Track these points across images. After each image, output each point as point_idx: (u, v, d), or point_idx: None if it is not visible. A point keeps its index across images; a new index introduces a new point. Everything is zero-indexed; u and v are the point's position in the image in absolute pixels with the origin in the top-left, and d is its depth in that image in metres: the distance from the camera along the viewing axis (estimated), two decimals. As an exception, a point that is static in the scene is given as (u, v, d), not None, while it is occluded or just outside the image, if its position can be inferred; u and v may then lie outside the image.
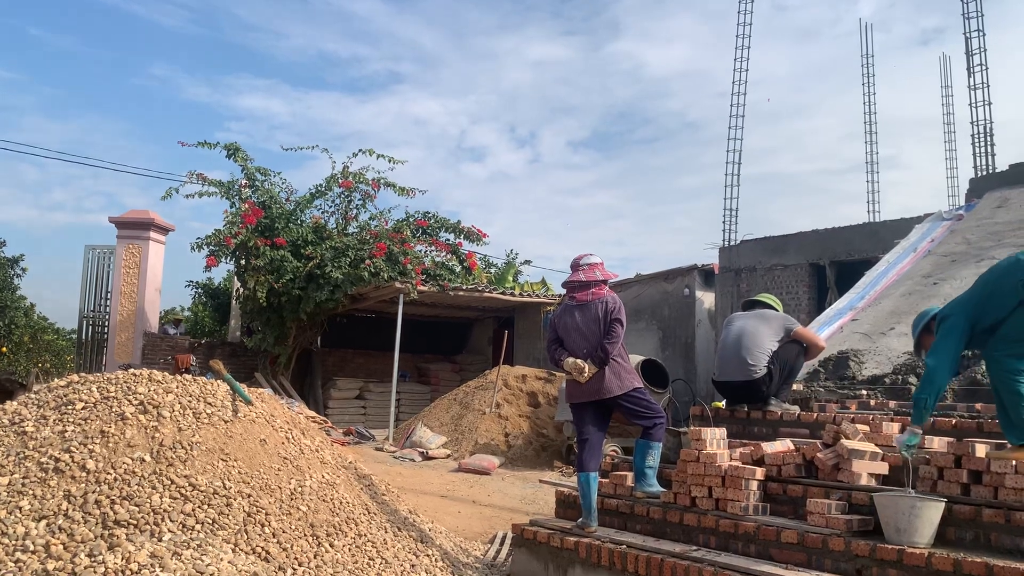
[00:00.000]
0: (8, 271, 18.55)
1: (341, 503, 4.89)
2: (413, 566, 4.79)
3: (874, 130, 21.03)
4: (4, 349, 18.33)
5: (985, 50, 14.97)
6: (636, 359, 10.44)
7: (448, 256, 15.64)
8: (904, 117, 51.20)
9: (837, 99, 60.42)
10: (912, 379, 6.30)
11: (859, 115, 21.39)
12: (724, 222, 18.03)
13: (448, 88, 79.83)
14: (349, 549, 4.56)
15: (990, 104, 14.87)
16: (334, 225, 15.38)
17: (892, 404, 5.70)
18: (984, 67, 14.92)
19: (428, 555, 5.04)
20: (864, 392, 6.33)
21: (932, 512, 3.83)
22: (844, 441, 4.52)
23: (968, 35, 15.05)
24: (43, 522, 3.84)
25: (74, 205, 69.71)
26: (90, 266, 16.69)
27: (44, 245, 60.14)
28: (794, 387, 6.18)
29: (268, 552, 4.13)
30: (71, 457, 4.19)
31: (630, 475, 5.21)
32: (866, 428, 4.74)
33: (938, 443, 4.58)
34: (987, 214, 10.76)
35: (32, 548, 3.67)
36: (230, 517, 4.19)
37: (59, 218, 66.67)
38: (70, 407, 4.58)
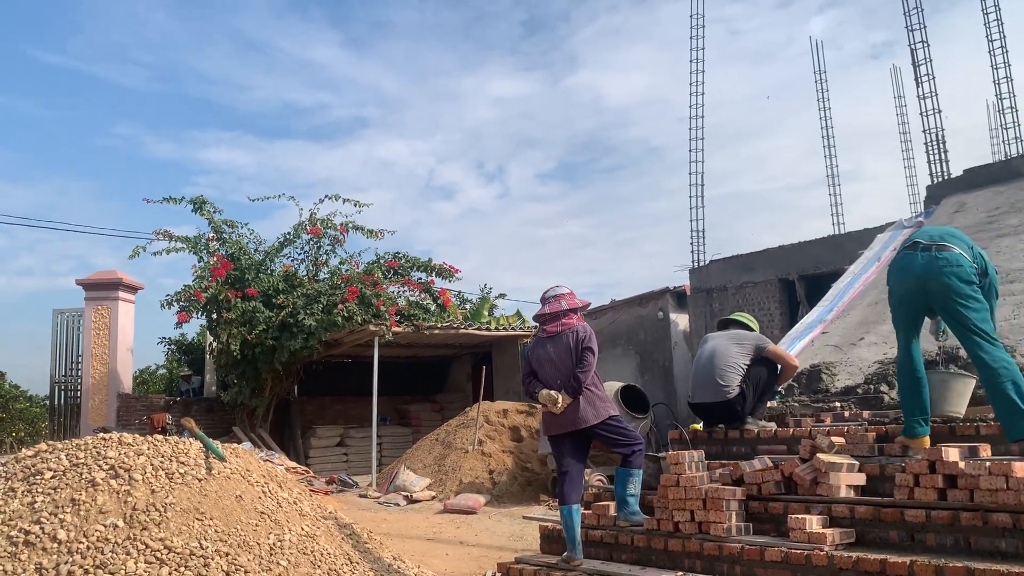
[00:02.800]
0: (-25, 341, 18.23)
1: (322, 555, 4.81)
2: (399, 614, 4.72)
3: (833, 144, 21.45)
4: (-25, 420, 17.97)
5: (931, 60, 15.36)
6: (615, 385, 10.44)
7: (421, 295, 15.60)
8: (861, 130, 52.27)
9: (795, 118, 61.60)
10: (884, 387, 6.36)
11: (817, 131, 21.80)
12: (692, 244, 18.19)
13: (413, 129, 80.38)
14: (333, 601, 4.48)
15: (940, 112, 15.22)
16: (304, 272, 15.30)
17: (866, 414, 5.75)
18: (931, 76, 15.29)
19: (414, 601, 4.97)
20: (838, 404, 6.37)
21: (960, 384, 4.67)
22: (820, 455, 4.55)
23: (913, 47, 15.45)
24: (15, 598, 3.74)
25: (43, 269, 68.87)
26: (59, 330, 16.46)
27: (12, 312, 59.23)
28: (769, 404, 6.22)
29: (249, 611, 4.05)
30: (41, 528, 4.10)
31: (612, 505, 5.19)
32: (842, 440, 4.78)
33: (912, 448, 4.61)
34: (945, 219, 10.96)
35: (4, 626, 3.58)
36: (208, 578, 4.11)
37: (28, 284, 65.82)
38: (39, 477, 4.49)
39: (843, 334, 8.41)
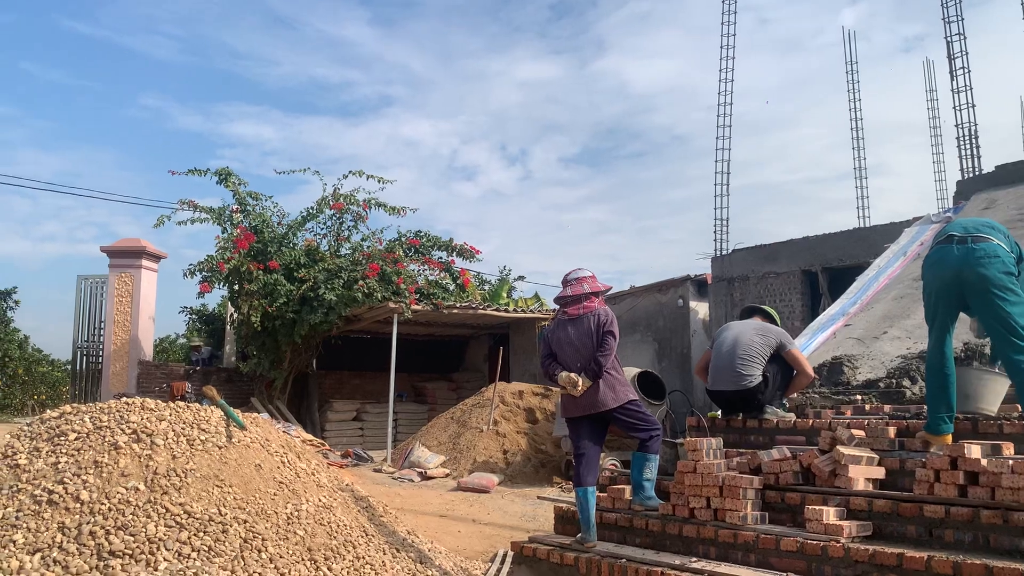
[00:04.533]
0: (1, 304, 18.49)
1: (338, 526, 4.86)
2: (413, 587, 4.76)
3: (861, 137, 21.20)
4: (-1, 382, 18.25)
5: (967, 53, 15.11)
6: (632, 371, 10.43)
7: (441, 274, 15.64)
8: (890, 124, 51.60)
9: (822, 109, 60.84)
10: (906, 382, 6.31)
11: (845, 123, 21.59)
12: (715, 232, 18.11)
13: (438, 109, 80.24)
14: (347, 572, 4.53)
15: (974, 107, 14.99)
16: (326, 247, 15.37)
17: (887, 408, 5.70)
18: (966, 70, 15.05)
19: (428, 576, 5.01)
20: (859, 397, 6.32)
21: (998, 384, 4.56)
22: (840, 447, 4.52)
23: (949, 39, 15.20)
24: (38, 555, 3.81)
25: (67, 236, 69.67)
26: (82, 296, 16.64)
27: (37, 277, 60.03)
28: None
29: (266, 578, 4.10)
30: (65, 489, 4.16)
31: (628, 488, 5.19)
32: (862, 433, 4.74)
33: (934, 445, 4.58)
34: (975, 215, 10.80)
35: (27, 582, 3.64)
36: (226, 544, 4.16)
37: (52, 249, 66.61)
38: (63, 438, 4.56)
39: (866, 327, 8.33)
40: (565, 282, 5.19)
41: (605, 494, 5.37)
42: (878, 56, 54.85)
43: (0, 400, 20.22)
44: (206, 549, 4.08)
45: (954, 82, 15.14)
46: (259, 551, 4.24)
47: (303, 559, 4.40)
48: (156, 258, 16.84)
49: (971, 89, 15.04)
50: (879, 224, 14.46)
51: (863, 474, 4.37)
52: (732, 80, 18.94)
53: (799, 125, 66.22)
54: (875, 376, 6.94)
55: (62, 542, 3.89)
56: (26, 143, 66.12)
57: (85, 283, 16.66)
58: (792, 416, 5.61)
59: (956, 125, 15.00)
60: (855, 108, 21.33)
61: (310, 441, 12.15)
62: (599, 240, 70.74)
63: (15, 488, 4.20)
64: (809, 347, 8.31)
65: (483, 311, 15.41)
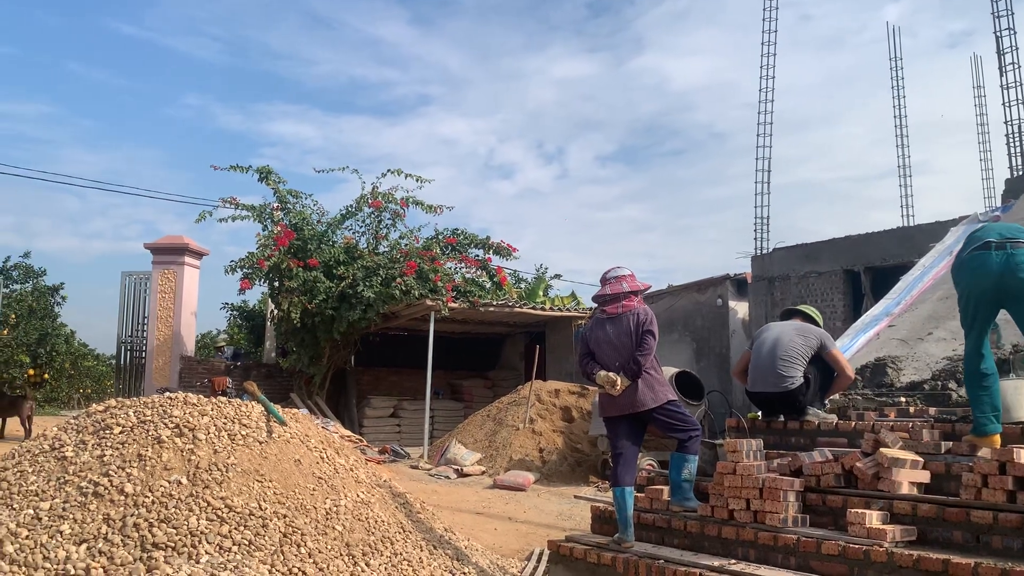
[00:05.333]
0: (49, 299, 18.96)
1: (376, 522, 4.89)
2: (449, 584, 4.77)
3: (905, 134, 20.77)
4: (46, 376, 18.70)
5: (1017, 48, 14.73)
6: (670, 371, 10.34)
7: (478, 272, 15.68)
8: (935, 122, 50.57)
9: (865, 106, 59.76)
10: (952, 384, 6.16)
11: (888, 121, 21.17)
12: (755, 231, 17.88)
13: (475, 108, 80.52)
14: (385, 568, 4.56)
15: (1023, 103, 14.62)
16: (365, 245, 15.50)
17: (932, 411, 5.58)
18: (1016, 65, 14.68)
19: (464, 573, 5.02)
20: (903, 399, 6.19)
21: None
22: (883, 450, 4.44)
23: (999, 34, 14.84)
24: (83, 546, 3.89)
25: (113, 233, 71.31)
26: (127, 292, 16.99)
27: (84, 273, 61.54)
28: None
29: (304, 572, 4.14)
30: (110, 481, 4.25)
31: (666, 489, 5.15)
32: (906, 435, 4.65)
33: (982, 449, 4.47)
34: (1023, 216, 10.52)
35: (73, 572, 3.73)
36: (266, 538, 4.21)
37: (98, 246, 68.18)
38: (108, 432, 4.65)
39: (910, 328, 8.16)
40: (604, 280, 5.16)
41: (643, 494, 5.33)
42: (923, 52, 53.85)
43: (47, 393, 20.72)
44: (246, 543, 4.13)
45: (1003, 78, 14.80)
46: (298, 546, 4.28)
47: (341, 554, 4.43)
48: (198, 255, 17.11)
49: (1021, 85, 14.68)
50: (924, 223, 14.15)
51: (907, 478, 4.28)
52: (773, 77, 18.70)
53: (841, 122, 65.28)
54: (920, 378, 6.79)
55: (107, 533, 3.97)
56: (73, 142, 67.75)
57: (129, 279, 17.00)
58: (834, 418, 5.52)
59: (1005, 122, 14.65)
60: (899, 105, 20.93)
61: (348, 437, 12.25)
62: (636, 238, 70.42)
63: (62, 480, 4.30)
64: (852, 348, 8.17)
65: (519, 309, 15.41)
